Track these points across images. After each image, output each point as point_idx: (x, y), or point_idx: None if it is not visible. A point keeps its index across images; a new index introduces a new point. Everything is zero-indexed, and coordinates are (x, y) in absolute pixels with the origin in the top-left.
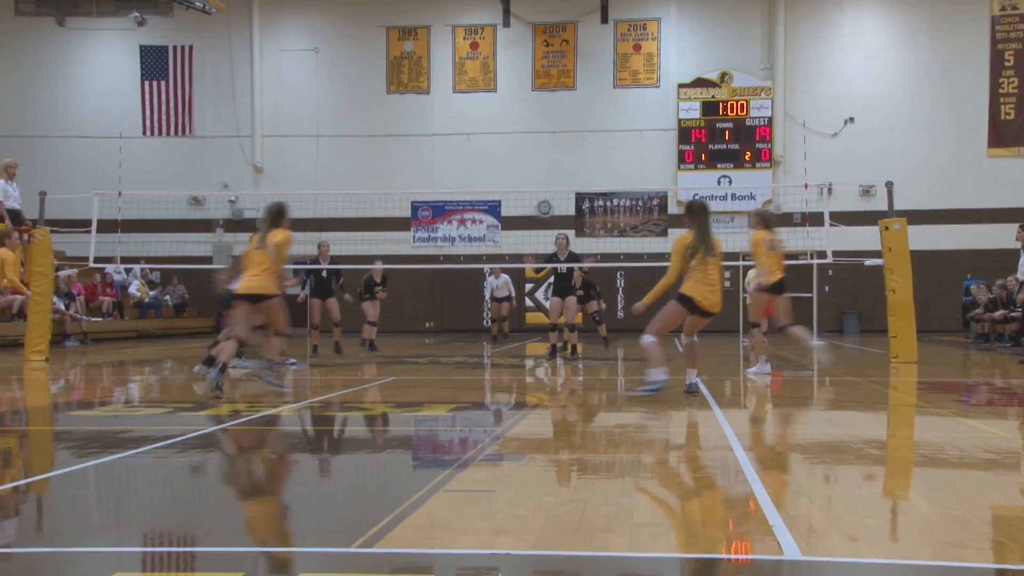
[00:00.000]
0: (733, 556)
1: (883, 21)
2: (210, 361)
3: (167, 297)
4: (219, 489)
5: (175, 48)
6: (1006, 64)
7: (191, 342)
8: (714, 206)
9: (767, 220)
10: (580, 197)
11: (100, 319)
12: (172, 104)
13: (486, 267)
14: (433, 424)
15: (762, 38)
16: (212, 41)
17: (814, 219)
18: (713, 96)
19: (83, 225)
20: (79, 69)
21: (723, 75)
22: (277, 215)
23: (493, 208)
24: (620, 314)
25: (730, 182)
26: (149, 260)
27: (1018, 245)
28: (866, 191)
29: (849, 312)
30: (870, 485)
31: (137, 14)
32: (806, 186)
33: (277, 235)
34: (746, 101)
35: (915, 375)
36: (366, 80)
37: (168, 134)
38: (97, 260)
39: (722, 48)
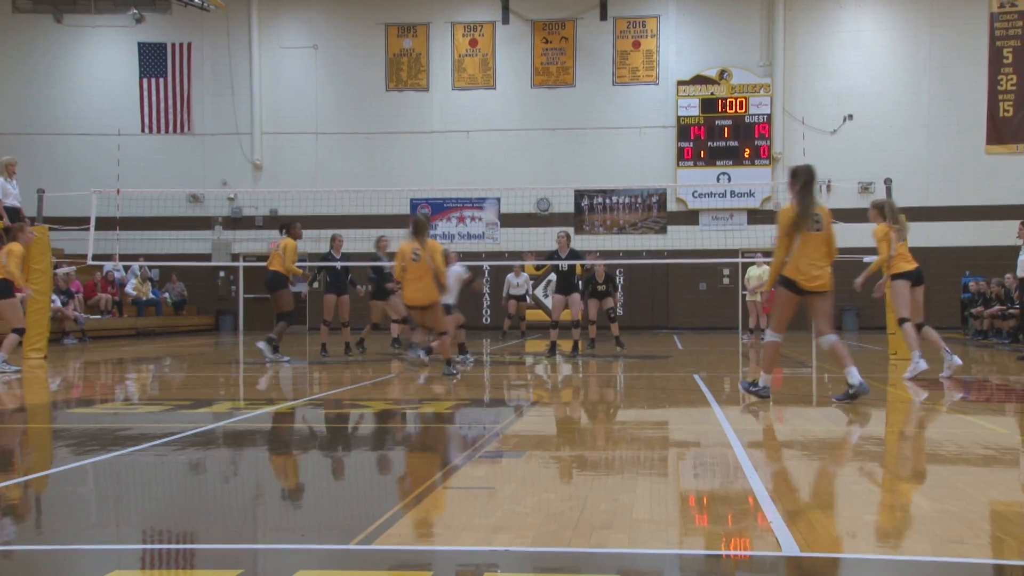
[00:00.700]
0: (732, 552)
1: (882, 17)
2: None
3: (166, 295)
4: (217, 486)
5: (173, 45)
6: (1004, 61)
7: (190, 339)
8: (713, 203)
9: (884, 210)
10: (579, 194)
11: (99, 317)
12: (171, 101)
13: (484, 265)
14: (433, 421)
15: (761, 35)
16: (211, 38)
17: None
18: (712, 93)
19: (81, 223)
20: (77, 66)
21: (722, 72)
22: (425, 226)
23: (492, 205)
24: (620, 311)
25: (729, 179)
26: (148, 258)
27: (1018, 242)
28: (865, 188)
29: (848, 309)
30: (869, 481)
31: (135, 11)
32: None
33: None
34: (745, 98)
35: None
36: (365, 77)
37: (167, 131)
38: (95, 258)
39: (721, 45)
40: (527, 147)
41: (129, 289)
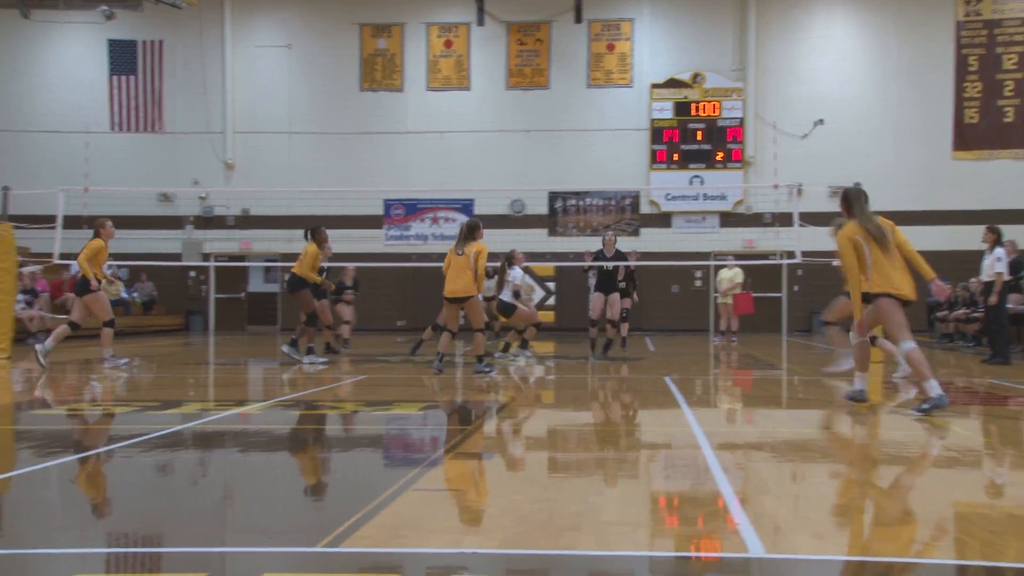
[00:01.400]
0: (699, 554)
1: (852, 24)
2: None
3: (135, 294)
4: (184, 488)
5: (144, 43)
6: (970, 68)
7: (160, 340)
8: (685, 206)
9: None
10: (553, 196)
11: (65, 316)
12: (141, 99)
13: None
14: (403, 423)
15: (734, 40)
16: (183, 36)
17: (784, 219)
18: (685, 96)
19: (48, 221)
20: (45, 62)
21: (695, 76)
22: (474, 228)
23: (466, 206)
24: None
25: (702, 182)
26: (117, 257)
27: (983, 246)
28: (835, 192)
29: (818, 312)
30: (834, 483)
31: (105, 7)
32: (776, 186)
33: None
34: (718, 102)
35: (880, 374)
36: (339, 77)
37: (137, 129)
38: (62, 257)
39: (694, 49)
40: (501, 148)
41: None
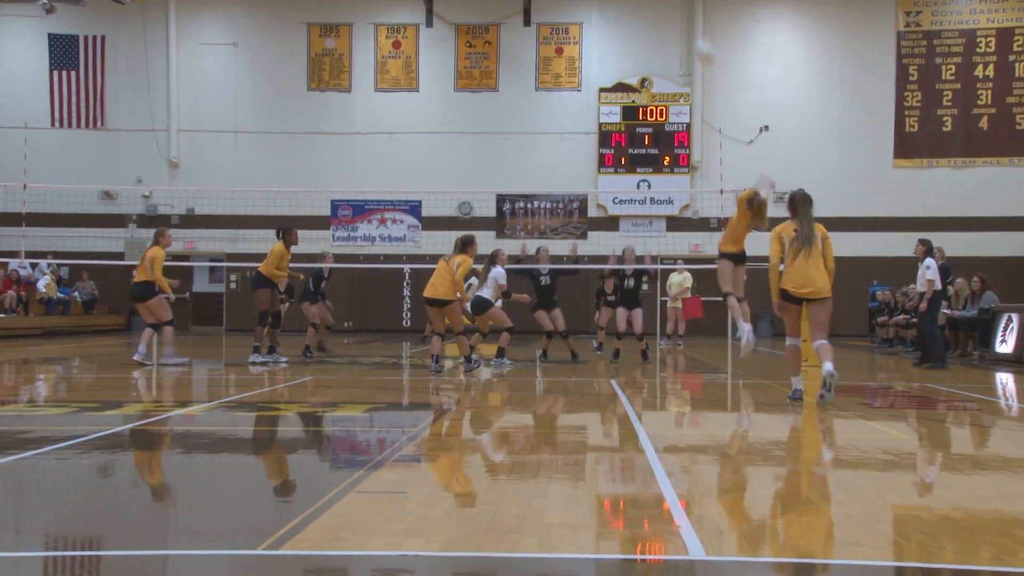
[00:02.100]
0: (639, 556)
1: (796, 33)
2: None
3: (76, 293)
4: (123, 491)
5: (86, 37)
6: (910, 78)
7: (101, 340)
8: (633, 210)
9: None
10: (501, 199)
11: (2, 315)
12: (83, 95)
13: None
14: (348, 424)
15: (681, 45)
16: (126, 32)
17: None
18: (633, 101)
19: None
20: None
21: (643, 80)
22: (467, 243)
23: (414, 208)
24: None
25: (649, 186)
26: (57, 255)
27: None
28: (780, 198)
29: (762, 317)
30: (775, 486)
31: (46, 1)
32: (722, 192)
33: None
34: (665, 107)
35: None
36: (286, 76)
37: (78, 126)
38: (1, 254)
39: (642, 54)
40: (449, 150)
41: (41, 287)
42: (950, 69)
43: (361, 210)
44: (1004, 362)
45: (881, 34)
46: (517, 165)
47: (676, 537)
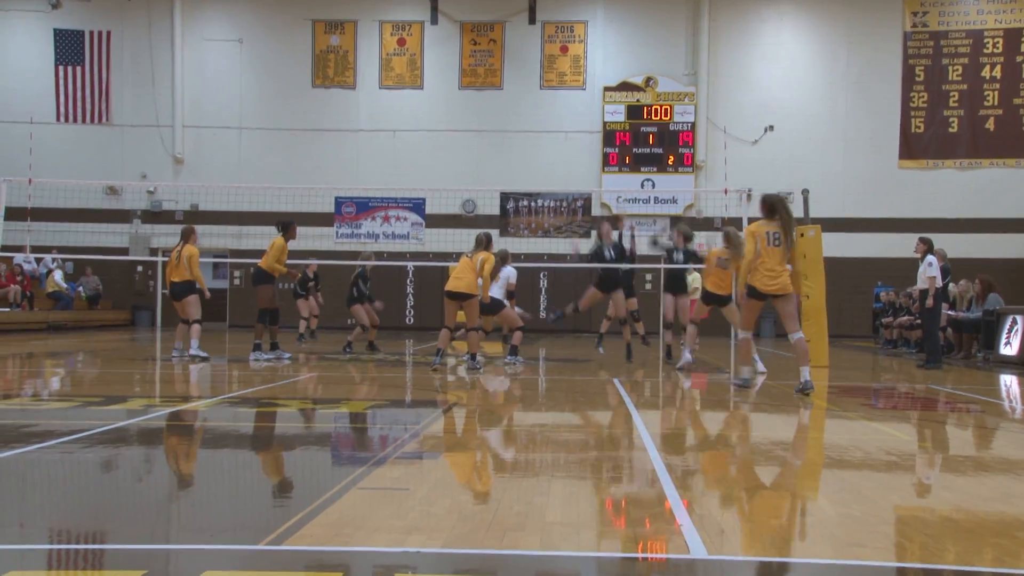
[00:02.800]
0: (641, 555)
1: (802, 33)
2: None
3: (80, 288)
4: (126, 485)
5: (92, 33)
6: (917, 79)
7: (105, 334)
8: (637, 209)
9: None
10: (505, 197)
11: (7, 309)
12: (88, 90)
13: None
14: (349, 421)
15: (687, 44)
16: (131, 28)
17: (733, 224)
18: (638, 100)
19: None
20: None
21: (648, 79)
22: (490, 240)
23: (418, 206)
24: (542, 314)
25: (653, 185)
26: (62, 250)
27: (918, 255)
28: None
29: (765, 316)
30: (778, 486)
31: None
32: (726, 191)
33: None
34: (670, 106)
35: (825, 379)
36: (291, 73)
37: (84, 121)
38: (5, 248)
39: (647, 53)
40: (454, 148)
41: (58, 279)
42: (957, 70)
43: (365, 207)
44: (1008, 364)
45: (887, 34)
46: (521, 163)
47: (678, 536)
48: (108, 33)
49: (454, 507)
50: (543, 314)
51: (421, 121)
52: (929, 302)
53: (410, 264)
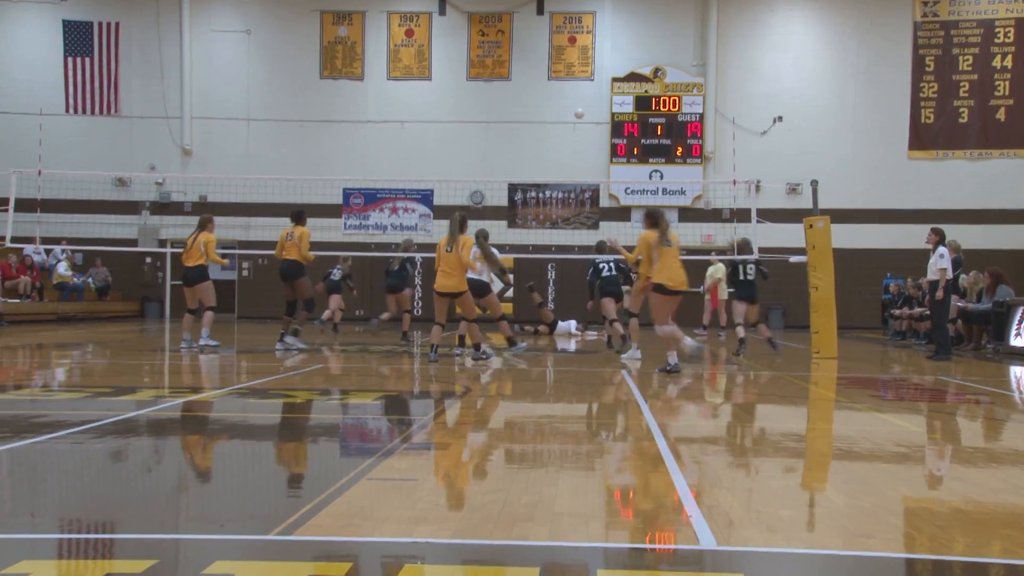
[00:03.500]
0: (650, 546)
1: (812, 23)
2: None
3: (90, 280)
4: (136, 475)
5: (100, 24)
6: (927, 69)
7: (114, 326)
8: (645, 200)
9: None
10: (513, 188)
11: (17, 300)
12: (97, 82)
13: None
14: (358, 412)
15: (695, 35)
16: (140, 19)
17: (742, 215)
18: (646, 91)
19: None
20: None
21: (656, 70)
22: (464, 221)
23: (426, 197)
24: (551, 305)
25: (661, 177)
26: (71, 241)
27: (929, 246)
28: (792, 189)
29: (774, 308)
30: (787, 477)
31: None
32: (735, 183)
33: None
34: (678, 97)
35: (835, 370)
36: (299, 64)
37: (92, 112)
38: (15, 240)
39: (656, 43)
40: (461, 139)
41: (62, 270)
42: (967, 60)
43: (373, 199)
44: (1019, 355)
45: (897, 24)
46: (529, 155)
47: (687, 527)
48: (117, 24)
49: (463, 498)
50: (551, 305)
51: (429, 112)
52: (939, 294)
53: (418, 255)
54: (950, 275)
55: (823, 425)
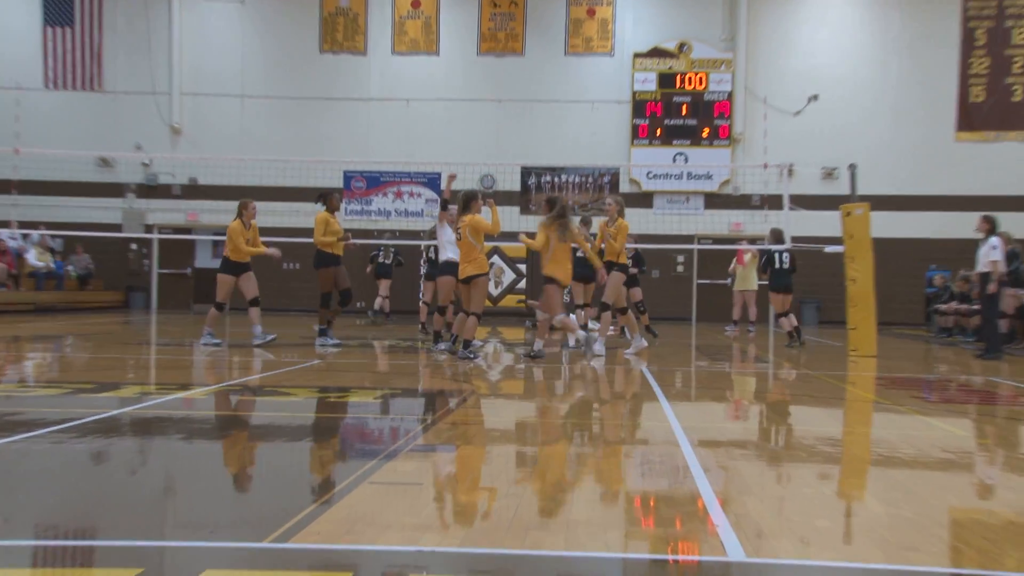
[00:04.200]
0: (673, 557)
1: None
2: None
3: (70, 267)
4: (121, 477)
5: None
6: (976, 43)
7: (97, 317)
8: (668, 185)
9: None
10: (526, 171)
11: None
12: (79, 54)
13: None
14: (360, 411)
15: (724, 7)
16: None
17: (773, 202)
18: (670, 67)
19: None
20: None
21: (681, 45)
22: (471, 198)
23: (433, 181)
24: (566, 298)
25: (686, 160)
26: (50, 225)
27: (980, 235)
28: (828, 173)
29: (807, 302)
30: (822, 485)
31: None
32: (766, 166)
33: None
34: (705, 74)
35: (874, 369)
36: (297, 37)
37: (74, 87)
38: None
39: (681, 16)
40: (471, 119)
41: (31, 259)
42: (1022, 32)
43: (376, 182)
44: None
45: None
46: (544, 136)
47: (713, 537)
48: None
49: (471, 503)
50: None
51: (437, 90)
52: (991, 287)
53: (424, 243)
54: (1003, 268)
55: (861, 428)
